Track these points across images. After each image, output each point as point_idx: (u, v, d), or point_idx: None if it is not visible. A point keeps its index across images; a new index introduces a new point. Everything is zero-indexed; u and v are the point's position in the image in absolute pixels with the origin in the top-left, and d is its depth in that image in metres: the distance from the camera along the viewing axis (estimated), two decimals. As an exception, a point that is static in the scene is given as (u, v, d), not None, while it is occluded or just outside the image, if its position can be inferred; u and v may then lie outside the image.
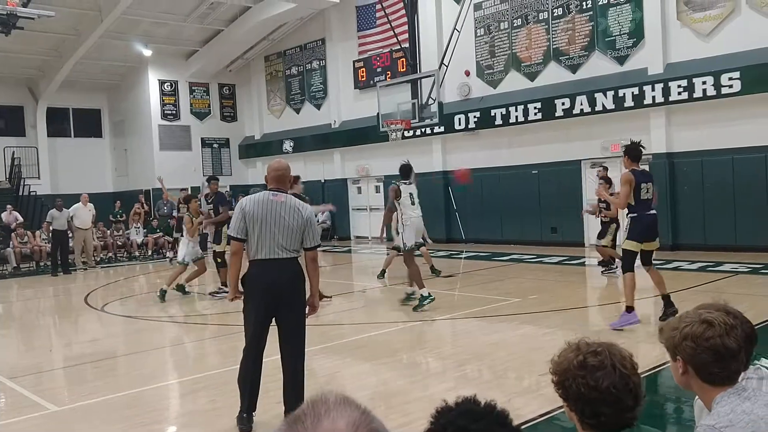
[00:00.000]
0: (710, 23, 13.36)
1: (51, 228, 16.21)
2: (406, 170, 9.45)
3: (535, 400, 5.00)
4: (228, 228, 5.81)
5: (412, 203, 9.15)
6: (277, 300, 4.61)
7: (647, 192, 7.38)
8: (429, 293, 8.89)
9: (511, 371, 6.04)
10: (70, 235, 16.50)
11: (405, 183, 9.27)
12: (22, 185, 21.36)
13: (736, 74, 12.67)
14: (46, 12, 15.29)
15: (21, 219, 18.47)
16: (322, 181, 21.90)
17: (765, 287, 9.38)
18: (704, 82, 13.11)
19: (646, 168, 9.37)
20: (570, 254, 13.98)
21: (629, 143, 7.67)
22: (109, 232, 19.32)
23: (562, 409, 5.44)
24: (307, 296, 4.81)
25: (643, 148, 7.69)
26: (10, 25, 14.14)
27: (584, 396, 1.72)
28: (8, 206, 18.87)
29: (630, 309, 7.23)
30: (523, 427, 4.31)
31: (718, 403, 1.92)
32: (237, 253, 4.77)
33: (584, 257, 13.95)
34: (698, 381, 1.98)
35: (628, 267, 7.35)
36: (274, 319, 4.73)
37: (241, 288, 4.75)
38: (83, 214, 16.59)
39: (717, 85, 12.92)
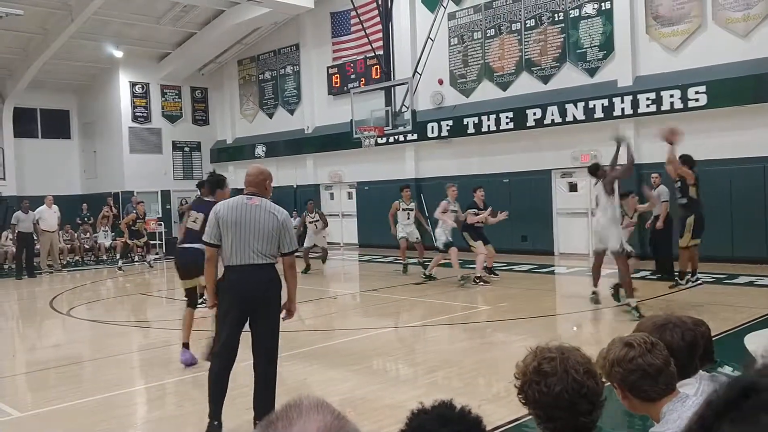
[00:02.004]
0: (678, 38, 13.67)
1: (16, 230, 15.87)
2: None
3: (504, 407, 5.04)
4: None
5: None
6: (252, 306, 4.54)
7: None
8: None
9: (481, 378, 6.08)
10: (36, 237, 16.17)
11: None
12: (-13, 186, 20.89)
13: (703, 88, 12.97)
14: (15, 10, 15.03)
15: (-15, 221, 18.06)
16: (295, 186, 21.82)
17: (728, 296, 9.56)
18: (672, 95, 13.39)
19: None
20: (540, 262, 14.13)
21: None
22: (76, 234, 18.99)
23: (530, 416, 5.48)
24: (284, 301, 4.75)
25: None
26: (-23, 23, 13.86)
27: (539, 401, 1.75)
28: (-28, 207, 18.44)
29: None
30: (491, 433, 4.34)
31: (664, 414, 1.98)
32: (211, 260, 4.66)
33: (554, 266, 14.11)
34: (637, 401, 2.04)
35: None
36: (247, 324, 4.66)
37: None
38: (48, 216, 16.28)
39: (684, 98, 13.22)
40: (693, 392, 2.04)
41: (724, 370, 2.53)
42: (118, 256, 17.41)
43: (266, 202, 4.63)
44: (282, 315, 4.74)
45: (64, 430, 5.06)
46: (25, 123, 22.96)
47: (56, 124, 24.07)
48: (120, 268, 16.41)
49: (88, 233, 19.25)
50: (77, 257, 18.59)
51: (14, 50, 20.53)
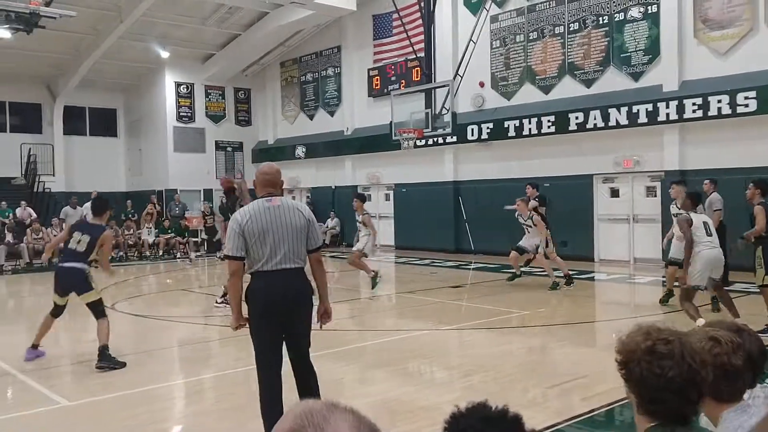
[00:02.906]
0: (727, 42, 13.34)
1: (64, 225, 16.36)
2: (696, 199, 8.20)
3: (541, 413, 5.00)
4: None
5: (709, 234, 7.80)
6: (285, 312, 4.21)
7: None
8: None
9: (517, 383, 6.04)
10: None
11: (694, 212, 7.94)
12: (37, 182, 21.57)
13: (752, 93, 12.63)
14: (68, 12, 15.45)
15: (35, 215, 18.66)
16: (333, 187, 21.98)
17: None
18: (719, 101, 13.08)
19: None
20: (580, 268, 13.93)
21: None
22: (120, 231, 19.47)
23: (567, 422, 5.40)
24: (316, 305, 4.47)
25: None
26: (33, 24, 14.31)
27: (646, 381, 1.70)
28: (22, 202, 19.07)
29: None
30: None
31: (725, 419, 1.94)
32: (237, 273, 4.24)
33: (593, 272, 13.91)
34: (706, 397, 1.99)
35: None
36: None
37: (245, 312, 4.32)
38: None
39: (732, 104, 12.89)
40: (751, 401, 2.00)
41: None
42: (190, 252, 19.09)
43: (286, 201, 4.38)
44: (315, 322, 4.47)
45: (109, 419, 5.20)
46: (74, 121, 23.69)
47: (104, 123, 24.76)
48: (191, 260, 18.00)
49: (132, 230, 19.70)
50: (121, 253, 19.05)
51: (66, 50, 21.17)
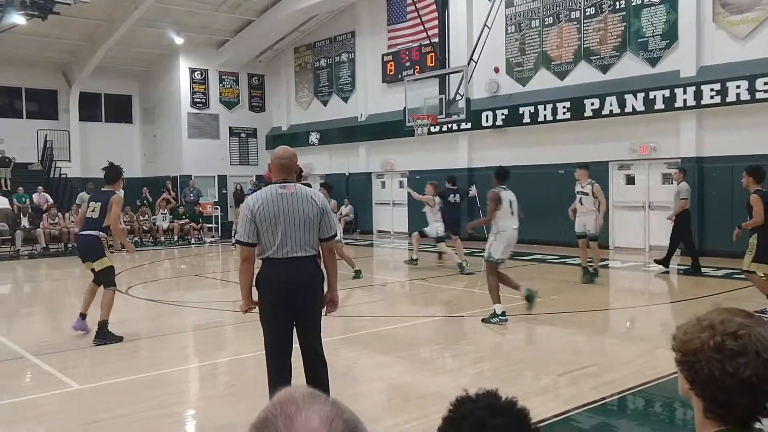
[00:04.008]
0: (747, 26, 13.10)
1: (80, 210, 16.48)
2: (503, 174, 8.17)
3: (552, 401, 4.99)
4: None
5: (512, 213, 7.94)
6: (298, 302, 4.20)
7: None
8: (503, 312, 7.84)
9: (528, 370, 6.03)
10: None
11: (503, 188, 8.01)
12: (54, 167, 21.77)
13: (772, 79, 12.42)
14: (83, -2, 15.53)
15: (51, 200, 18.83)
16: (347, 174, 21.96)
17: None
18: (738, 86, 12.86)
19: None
20: (593, 256, 13.85)
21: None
22: (135, 216, 19.61)
23: (579, 410, 5.35)
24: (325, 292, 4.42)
25: None
26: (47, 10, 14.38)
27: (718, 382, 1.50)
28: (39, 188, 19.25)
29: None
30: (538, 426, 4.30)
31: None
32: (248, 260, 4.20)
33: (608, 259, 13.81)
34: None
35: None
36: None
37: (255, 296, 4.33)
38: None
39: (752, 90, 12.68)
40: None
41: None
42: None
43: (301, 188, 4.26)
44: (324, 309, 4.45)
45: (122, 403, 5.26)
46: (89, 107, 23.84)
47: (119, 109, 24.90)
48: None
49: (147, 215, 19.84)
50: (136, 238, 19.20)
51: (81, 37, 21.28)
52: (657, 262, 12.00)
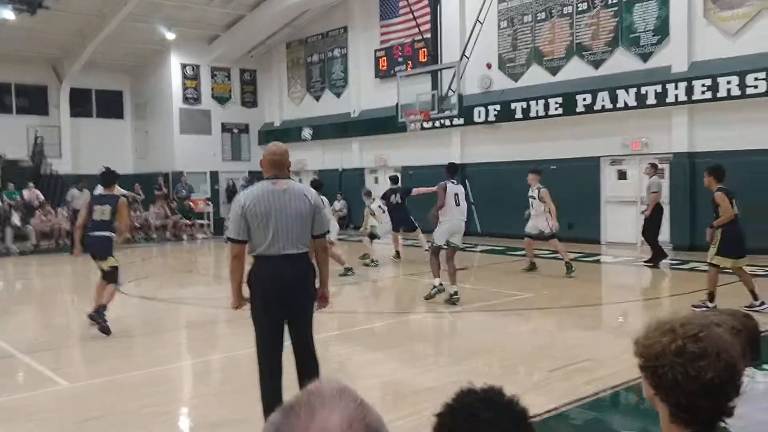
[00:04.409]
0: (738, 22, 13.15)
1: (71, 207, 16.41)
2: (453, 169, 9.45)
3: (544, 396, 5.01)
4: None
5: (456, 204, 8.81)
6: (291, 299, 4.19)
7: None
8: (440, 283, 8.76)
9: (521, 365, 6.05)
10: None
11: (452, 182, 8.96)
12: (44, 164, 21.62)
13: (762, 74, 12.46)
14: (72, -7, 15.41)
15: (42, 197, 18.72)
16: (340, 169, 21.94)
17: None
18: (729, 82, 12.92)
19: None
20: (586, 251, 13.90)
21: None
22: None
23: (570, 406, 5.37)
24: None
25: None
26: (36, 5, 14.27)
27: (682, 386, 1.50)
28: (30, 184, 19.12)
29: None
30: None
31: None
32: (239, 257, 4.19)
33: (600, 254, 13.87)
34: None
35: None
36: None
37: (245, 292, 4.30)
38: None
39: (742, 85, 12.74)
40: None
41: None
42: None
43: (293, 184, 4.26)
44: (315, 305, 4.44)
45: (113, 401, 5.24)
46: (80, 103, 23.65)
47: (110, 105, 24.72)
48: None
49: (138, 212, 19.75)
50: (128, 235, 19.10)
51: (71, 32, 21.10)
52: (648, 264, 12.03)
